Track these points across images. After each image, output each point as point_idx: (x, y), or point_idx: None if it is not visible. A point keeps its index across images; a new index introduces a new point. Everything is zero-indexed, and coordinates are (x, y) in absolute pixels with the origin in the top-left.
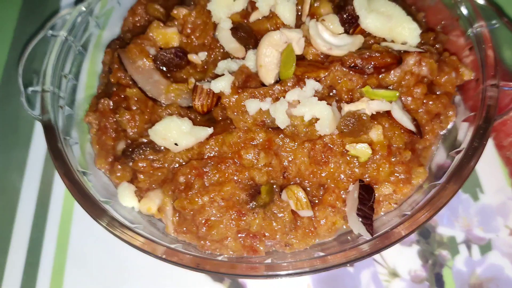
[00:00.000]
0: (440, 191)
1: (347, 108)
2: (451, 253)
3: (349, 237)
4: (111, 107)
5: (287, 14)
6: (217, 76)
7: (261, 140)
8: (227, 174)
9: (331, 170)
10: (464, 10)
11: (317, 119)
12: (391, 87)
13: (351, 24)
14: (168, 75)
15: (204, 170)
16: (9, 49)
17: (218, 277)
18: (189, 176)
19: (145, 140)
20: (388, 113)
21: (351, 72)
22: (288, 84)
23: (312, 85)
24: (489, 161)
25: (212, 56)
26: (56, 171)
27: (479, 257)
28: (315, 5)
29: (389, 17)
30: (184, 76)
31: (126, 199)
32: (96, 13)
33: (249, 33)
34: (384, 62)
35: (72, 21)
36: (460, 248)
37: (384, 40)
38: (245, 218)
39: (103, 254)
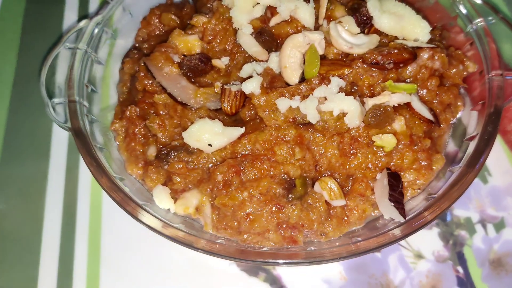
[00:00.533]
0: (463, 175)
1: (371, 102)
2: (469, 233)
3: (377, 224)
4: (138, 114)
5: (307, 17)
6: (242, 79)
7: (292, 136)
8: (262, 170)
9: (359, 160)
10: (462, 9)
11: (345, 113)
12: (408, 81)
13: (365, 24)
14: (193, 80)
15: (241, 167)
16: (16, 66)
17: (254, 271)
18: (227, 174)
19: (177, 144)
20: (408, 105)
21: (372, 68)
22: (314, 82)
23: (337, 82)
24: (494, 147)
25: (235, 61)
26: (79, 179)
27: (494, 234)
28: (330, 8)
29: (400, 17)
30: (208, 81)
31: (163, 201)
32: (110, 25)
33: (271, 37)
34: (402, 57)
35: (90, 33)
36: (476, 228)
37: (396, 38)
38: (284, 210)
39: (136, 257)
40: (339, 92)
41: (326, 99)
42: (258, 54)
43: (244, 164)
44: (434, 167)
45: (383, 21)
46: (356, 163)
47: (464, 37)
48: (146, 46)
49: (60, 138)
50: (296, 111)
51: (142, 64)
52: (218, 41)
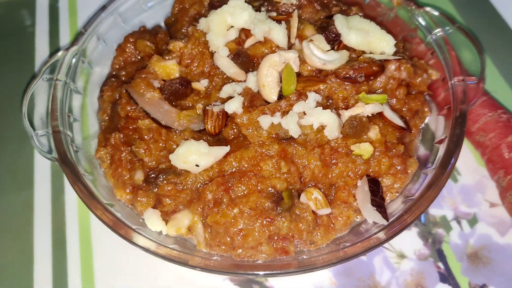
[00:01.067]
0: (437, 177)
1: (347, 113)
2: (445, 230)
3: (361, 228)
4: (122, 140)
5: (281, 37)
6: (222, 99)
7: (276, 151)
8: (250, 186)
9: (340, 169)
10: (421, 21)
11: (324, 126)
12: (378, 92)
13: (334, 41)
14: (175, 103)
15: (229, 185)
16: None
17: (247, 285)
18: (217, 192)
19: (164, 166)
20: (380, 114)
21: (345, 82)
22: (292, 99)
23: (313, 97)
24: None
25: (214, 82)
26: (65, 208)
27: (469, 230)
28: (300, 28)
29: (366, 32)
30: (189, 103)
31: (154, 223)
32: (86, 54)
33: (248, 58)
34: (372, 70)
35: (68, 64)
36: (452, 225)
37: (364, 52)
38: (274, 223)
39: (130, 278)
40: (316, 107)
41: (305, 114)
42: (236, 75)
43: (232, 182)
44: (409, 171)
45: (351, 37)
46: (337, 172)
47: (425, 47)
48: (123, 73)
49: (42, 167)
50: (278, 127)
51: (124, 91)
52: (196, 64)
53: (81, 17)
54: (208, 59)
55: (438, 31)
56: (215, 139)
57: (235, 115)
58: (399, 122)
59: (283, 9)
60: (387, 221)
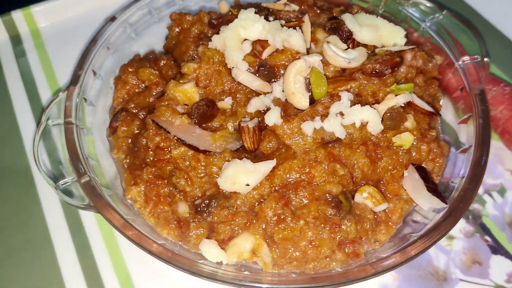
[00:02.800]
0: (480, 155)
1: (381, 107)
2: (481, 204)
3: (413, 218)
4: (155, 175)
5: (300, 43)
6: (250, 114)
7: (323, 156)
8: (308, 195)
9: (387, 163)
10: (412, 12)
11: (366, 123)
12: (401, 82)
13: (347, 40)
14: (203, 126)
15: (287, 198)
16: None
17: None
18: (277, 208)
19: (209, 193)
20: (409, 103)
21: (372, 77)
22: (326, 101)
23: (347, 96)
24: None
25: (237, 99)
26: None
27: (501, 200)
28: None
29: (376, 27)
30: (216, 124)
31: (214, 254)
32: (86, 92)
33: (271, 68)
34: (395, 61)
35: (75, 105)
36: (484, 198)
37: (375, 47)
38: (342, 227)
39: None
40: (352, 105)
41: (343, 114)
42: (262, 87)
43: (288, 194)
44: (444, 154)
45: (363, 34)
46: (383, 166)
47: (419, 35)
48: (132, 105)
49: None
50: (321, 131)
51: (151, 122)
52: (214, 84)
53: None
54: (225, 76)
55: (431, 18)
56: (252, 156)
57: (275, 127)
58: (427, 107)
59: (287, 17)
60: (446, 204)
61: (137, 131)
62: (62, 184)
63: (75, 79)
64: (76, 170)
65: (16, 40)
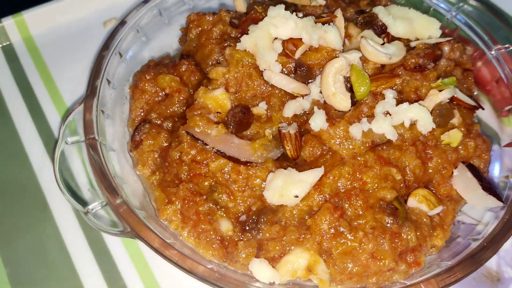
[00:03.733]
0: None
1: (426, 104)
2: None
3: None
4: (193, 191)
5: (337, 40)
6: (287, 119)
7: (373, 159)
8: (362, 204)
9: (437, 162)
10: (436, 1)
11: (414, 122)
12: (442, 76)
13: (381, 34)
14: (240, 134)
15: (342, 208)
16: None
17: None
18: (332, 220)
19: (253, 208)
20: (452, 98)
21: (414, 72)
22: (371, 101)
23: (392, 94)
24: None
25: (271, 103)
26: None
27: None
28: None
29: (410, 20)
30: (252, 132)
31: (265, 274)
32: (103, 104)
33: (308, 69)
34: (436, 55)
35: (96, 120)
36: None
37: (409, 40)
38: (401, 236)
39: None
40: (397, 104)
41: (389, 114)
42: (299, 90)
43: (341, 204)
44: (488, 149)
45: (398, 27)
46: (434, 166)
47: (444, 26)
48: (154, 116)
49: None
50: (371, 133)
51: (185, 134)
52: (245, 88)
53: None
54: (257, 79)
55: (456, 8)
56: (293, 163)
57: (321, 131)
58: (470, 101)
59: (314, 12)
60: (503, 202)
61: (165, 144)
62: (92, 210)
63: (93, 90)
64: (107, 193)
65: (8, 49)
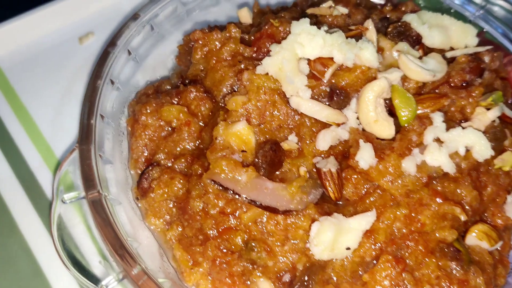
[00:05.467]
0: None
1: (476, 125)
2: None
3: None
4: (223, 249)
5: (373, 57)
6: (321, 152)
7: (428, 196)
8: (423, 250)
9: (492, 190)
10: (456, 1)
11: (470, 148)
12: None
13: (415, 45)
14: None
15: (403, 260)
16: None
17: None
18: (394, 274)
19: (299, 266)
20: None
21: (460, 90)
22: (418, 126)
23: (440, 117)
24: None
25: (301, 134)
26: None
27: None
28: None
29: (444, 27)
30: (285, 170)
31: None
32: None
33: (345, 93)
34: (481, 68)
35: (95, 168)
36: None
37: (443, 50)
38: (471, 283)
39: None
40: (449, 128)
41: (440, 140)
42: (334, 118)
43: (401, 253)
44: None
45: (434, 37)
46: (488, 195)
47: None
48: (162, 156)
49: None
50: (425, 167)
51: (211, 183)
52: (270, 119)
53: None
54: (282, 107)
55: (480, 8)
56: (334, 204)
57: (371, 170)
58: None
59: (335, 23)
60: None
61: (181, 192)
62: (107, 286)
63: (88, 132)
64: (123, 263)
65: None
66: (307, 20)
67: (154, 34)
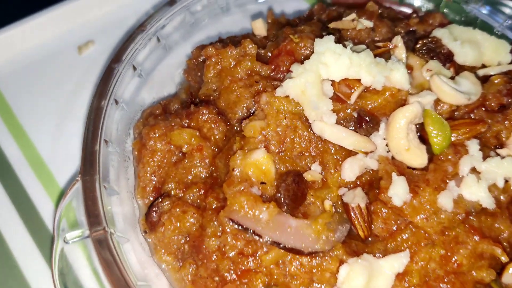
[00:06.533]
0: None
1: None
2: None
3: None
4: None
5: (404, 78)
6: (346, 184)
7: (464, 233)
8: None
9: None
10: (483, 11)
11: (508, 179)
12: None
13: (445, 62)
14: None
15: None
16: None
17: None
18: None
19: None
20: None
21: (496, 113)
22: (453, 155)
23: (477, 145)
24: None
25: (325, 162)
26: None
27: None
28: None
29: (476, 43)
30: (303, 205)
31: None
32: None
33: (374, 119)
34: None
35: (100, 202)
36: None
37: (475, 67)
38: None
39: None
40: (485, 157)
41: (476, 171)
42: (362, 145)
43: None
44: None
45: (467, 54)
46: None
47: None
48: (172, 186)
49: None
50: (462, 201)
51: (228, 222)
52: (289, 145)
53: None
54: (304, 132)
55: (508, 18)
56: (364, 245)
57: (404, 206)
58: None
59: (359, 37)
60: None
61: (193, 227)
62: None
63: (91, 161)
64: None
65: None
66: (331, 37)
67: (161, 46)
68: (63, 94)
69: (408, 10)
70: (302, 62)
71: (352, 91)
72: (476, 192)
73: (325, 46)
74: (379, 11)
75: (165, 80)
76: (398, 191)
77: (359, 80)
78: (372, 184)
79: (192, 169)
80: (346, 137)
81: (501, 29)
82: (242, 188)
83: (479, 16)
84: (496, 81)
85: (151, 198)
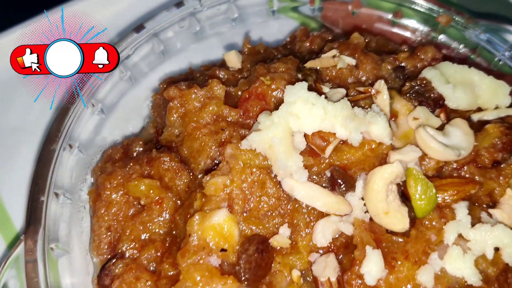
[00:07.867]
0: None
1: (507, 213)
2: None
3: None
4: None
5: (385, 132)
6: (318, 249)
7: None
8: None
9: None
10: (482, 37)
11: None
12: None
13: (435, 107)
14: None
15: None
16: None
17: None
18: None
19: None
20: None
21: (489, 170)
22: (436, 220)
23: (465, 209)
24: None
25: (296, 225)
26: None
27: None
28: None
29: (471, 84)
30: (275, 271)
31: None
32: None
33: (345, 177)
34: None
35: (42, 268)
36: None
37: (469, 111)
38: None
39: None
40: (474, 222)
41: (464, 239)
42: (336, 208)
43: None
44: None
45: (459, 98)
46: None
47: (495, 69)
48: (128, 244)
49: None
50: (445, 277)
51: None
52: (254, 205)
53: None
54: (272, 189)
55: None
56: None
57: (378, 281)
58: None
59: (340, 75)
60: None
61: None
62: None
63: (35, 220)
64: None
65: None
66: (304, 85)
67: (125, 78)
68: (7, 131)
69: (402, 32)
70: (274, 107)
71: (327, 144)
72: (461, 268)
73: (296, 95)
74: (366, 40)
75: (130, 115)
76: (371, 268)
77: (334, 133)
78: (348, 246)
79: (150, 225)
80: (318, 197)
81: (502, 58)
82: (198, 258)
83: (479, 43)
84: (491, 131)
85: (106, 256)
